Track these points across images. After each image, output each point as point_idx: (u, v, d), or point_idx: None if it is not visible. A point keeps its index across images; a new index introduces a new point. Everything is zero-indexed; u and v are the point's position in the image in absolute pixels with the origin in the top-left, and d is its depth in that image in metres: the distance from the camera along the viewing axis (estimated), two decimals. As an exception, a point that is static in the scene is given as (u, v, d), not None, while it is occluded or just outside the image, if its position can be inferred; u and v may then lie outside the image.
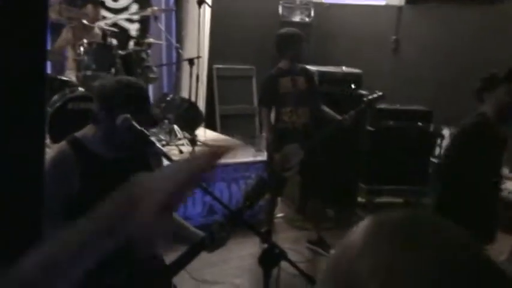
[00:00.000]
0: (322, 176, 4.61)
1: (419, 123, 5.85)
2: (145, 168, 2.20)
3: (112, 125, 2.09)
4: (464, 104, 6.15)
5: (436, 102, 6.08)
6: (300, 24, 7.16)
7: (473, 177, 2.94)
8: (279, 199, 4.87)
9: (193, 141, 5.17)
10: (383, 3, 7.33)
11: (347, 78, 5.52)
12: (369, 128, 5.68)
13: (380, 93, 4.22)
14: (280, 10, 7.54)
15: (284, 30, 4.55)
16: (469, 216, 2.44)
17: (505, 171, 4.30)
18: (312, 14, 7.71)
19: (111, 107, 2.13)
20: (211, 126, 6.58)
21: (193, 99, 5.79)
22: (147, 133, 2.10)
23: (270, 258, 1.51)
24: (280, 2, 7.54)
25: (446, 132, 6.26)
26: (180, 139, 5.40)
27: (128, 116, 2.07)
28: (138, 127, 2.07)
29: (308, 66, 4.76)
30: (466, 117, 3.18)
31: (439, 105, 6.01)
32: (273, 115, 4.48)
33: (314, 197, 4.66)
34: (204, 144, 5.34)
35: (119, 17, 6.25)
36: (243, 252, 4.31)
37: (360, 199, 5.78)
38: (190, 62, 5.55)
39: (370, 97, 4.27)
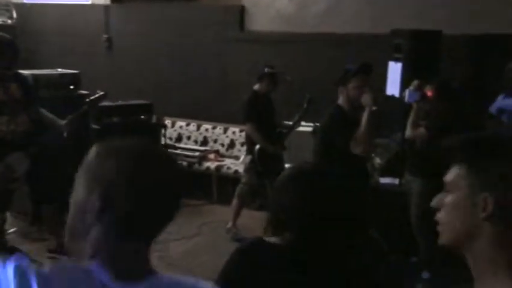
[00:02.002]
0: (52, 182, 4.49)
1: (142, 116, 6.12)
2: None
3: None
4: (185, 93, 6.68)
5: (155, 94, 6.43)
6: (3, 27, 6.68)
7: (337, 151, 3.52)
8: (7, 214, 4.57)
9: None
10: (89, 2, 7.34)
11: (64, 80, 5.42)
12: (95, 126, 5.70)
13: (102, 93, 4.30)
14: (-24, 13, 6.91)
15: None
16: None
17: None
18: (15, 15, 7.26)
19: None
20: None
21: None
22: None
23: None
24: (-25, 3, 6.91)
25: (168, 121, 6.69)
26: None
27: None
28: None
29: (20, 71, 4.53)
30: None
31: (158, 97, 6.37)
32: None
33: (48, 205, 4.51)
34: None
35: None
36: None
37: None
38: None
39: (92, 97, 4.32)
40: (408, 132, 4.14)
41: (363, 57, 5.59)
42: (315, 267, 1.55)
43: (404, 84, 4.78)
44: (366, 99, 3.53)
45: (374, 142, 4.28)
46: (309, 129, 5.70)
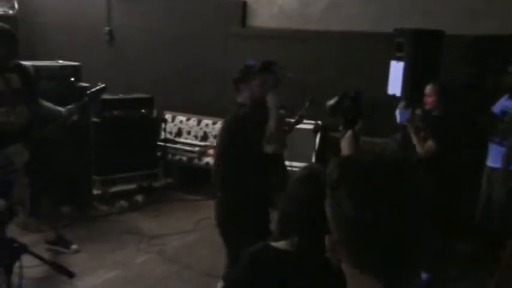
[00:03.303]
0: (51, 174, 4.49)
1: (143, 110, 6.11)
2: None
3: None
4: (185, 88, 6.67)
5: (155, 88, 6.42)
6: (4, 18, 6.66)
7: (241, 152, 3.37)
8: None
9: None
10: (91, -6, 7.32)
11: (65, 71, 5.40)
12: (95, 119, 5.70)
13: (102, 85, 4.28)
14: (-22, 3, 6.89)
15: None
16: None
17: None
18: (16, 5, 7.23)
19: None
20: None
21: None
22: None
23: (9, 254, 1.50)
24: (-23, -7, 6.89)
25: (168, 116, 6.68)
26: None
27: None
28: None
29: (21, 62, 4.52)
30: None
31: (159, 91, 6.36)
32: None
33: (47, 197, 4.51)
34: None
35: None
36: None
37: (95, 191, 5.78)
38: None
39: (92, 90, 4.30)
40: (419, 150, 4.10)
41: (364, 56, 5.63)
42: (324, 273, 1.52)
43: (405, 83, 4.78)
44: (272, 99, 3.34)
45: (285, 141, 4.17)
46: (310, 126, 5.70)
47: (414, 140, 4.12)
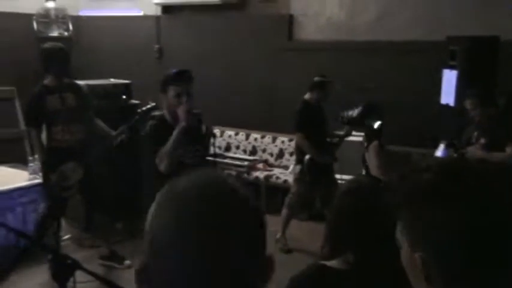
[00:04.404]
0: (104, 191, 4.58)
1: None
2: None
3: None
4: (233, 102, 6.70)
5: (204, 103, 6.43)
6: (59, 39, 6.90)
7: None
8: (62, 220, 4.68)
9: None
10: (141, 13, 7.49)
11: (117, 90, 5.52)
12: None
13: (153, 104, 4.34)
14: (35, 26, 7.16)
15: (48, 45, 4.37)
16: None
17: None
18: (71, 27, 7.49)
19: None
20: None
21: None
22: None
23: (63, 270, 1.51)
24: (34, 17, 7.16)
25: (217, 131, 6.72)
26: None
27: None
28: None
29: (76, 81, 4.65)
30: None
31: (207, 106, 6.37)
32: (44, 135, 4.28)
33: (100, 213, 4.60)
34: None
35: None
36: (32, 282, 4.07)
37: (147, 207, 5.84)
38: None
39: (144, 108, 4.37)
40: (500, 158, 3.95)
41: (416, 65, 5.50)
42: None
43: (459, 92, 4.62)
44: (180, 112, 3.21)
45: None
46: (360, 139, 5.59)
47: (484, 155, 3.93)
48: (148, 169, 3.39)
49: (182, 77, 3.37)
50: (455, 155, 4.09)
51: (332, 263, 1.56)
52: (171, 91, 3.31)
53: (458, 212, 0.85)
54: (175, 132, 3.20)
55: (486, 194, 0.85)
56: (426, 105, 5.29)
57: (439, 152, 4.17)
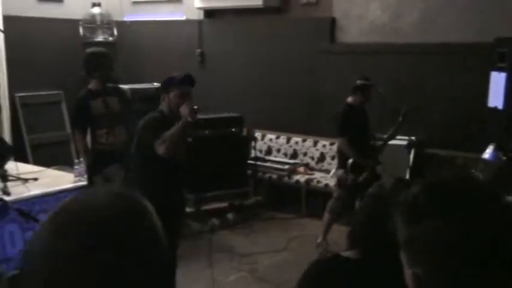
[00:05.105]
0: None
1: (233, 129, 6.18)
2: None
3: None
4: (274, 106, 6.69)
5: (245, 107, 6.48)
6: (104, 44, 7.05)
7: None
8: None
9: (4, 177, 4.77)
10: (183, 18, 7.57)
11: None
12: (187, 139, 5.83)
13: (195, 106, 4.38)
14: (81, 31, 7.34)
15: (91, 49, 4.47)
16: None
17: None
18: (115, 32, 7.65)
19: None
20: (21, 158, 6.14)
21: (-3, 132, 5.36)
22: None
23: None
24: (80, 22, 7.34)
25: (258, 134, 6.72)
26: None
27: None
28: None
29: (119, 85, 4.74)
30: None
31: (248, 110, 6.41)
32: (88, 138, 4.37)
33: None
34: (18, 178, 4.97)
35: None
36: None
37: (188, 209, 5.89)
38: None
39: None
40: None
41: (463, 67, 5.36)
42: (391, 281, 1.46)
43: (508, 95, 4.47)
44: (184, 109, 3.53)
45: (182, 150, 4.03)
46: (404, 142, 5.48)
47: None
48: (136, 163, 3.74)
49: (188, 81, 3.67)
50: (504, 158, 3.95)
51: (346, 253, 1.72)
52: (175, 91, 3.61)
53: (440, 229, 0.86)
54: (179, 124, 3.51)
55: (470, 211, 0.86)
56: (473, 108, 5.14)
57: (487, 155, 4.03)
